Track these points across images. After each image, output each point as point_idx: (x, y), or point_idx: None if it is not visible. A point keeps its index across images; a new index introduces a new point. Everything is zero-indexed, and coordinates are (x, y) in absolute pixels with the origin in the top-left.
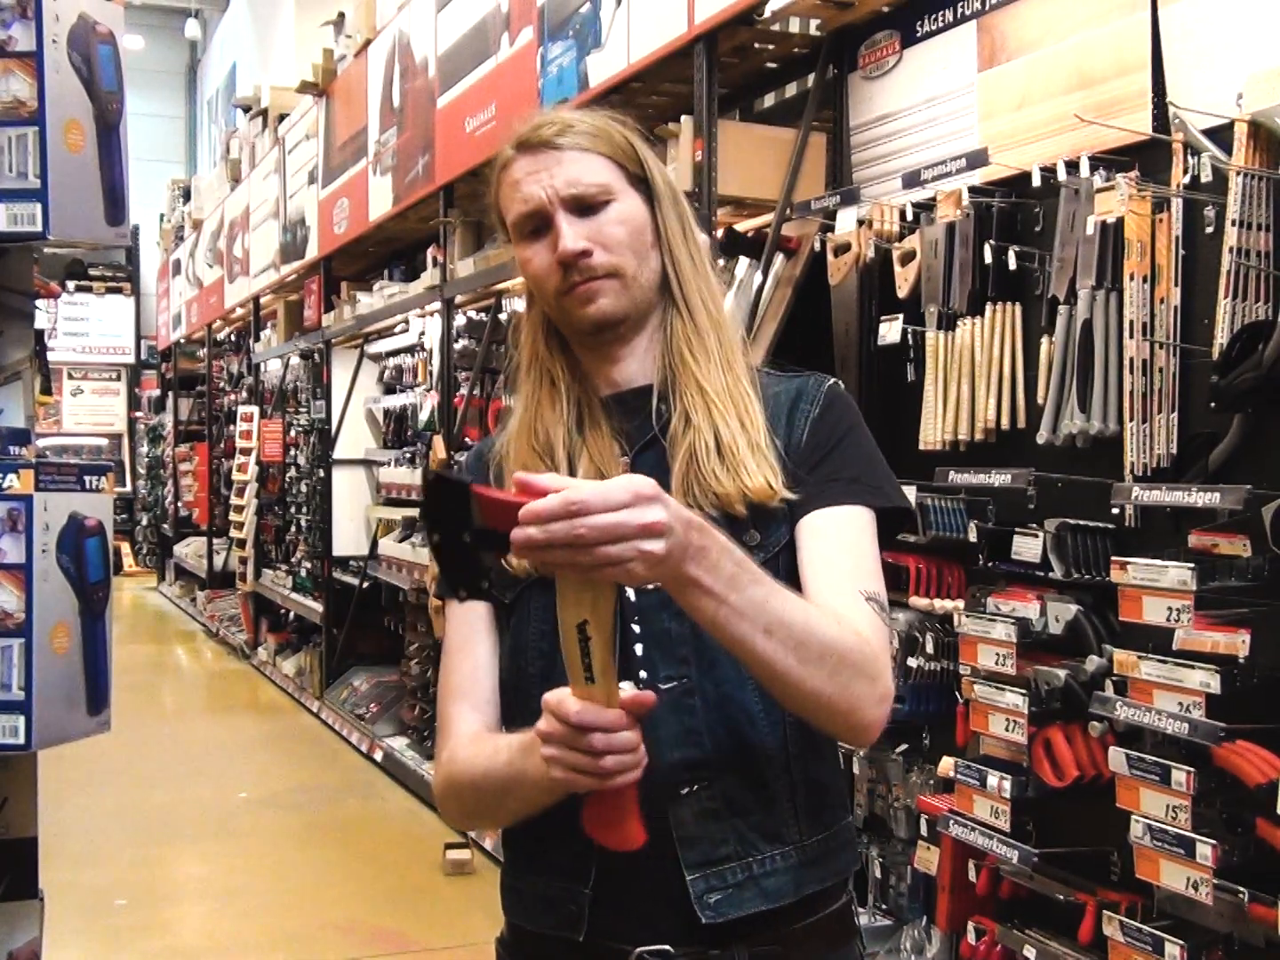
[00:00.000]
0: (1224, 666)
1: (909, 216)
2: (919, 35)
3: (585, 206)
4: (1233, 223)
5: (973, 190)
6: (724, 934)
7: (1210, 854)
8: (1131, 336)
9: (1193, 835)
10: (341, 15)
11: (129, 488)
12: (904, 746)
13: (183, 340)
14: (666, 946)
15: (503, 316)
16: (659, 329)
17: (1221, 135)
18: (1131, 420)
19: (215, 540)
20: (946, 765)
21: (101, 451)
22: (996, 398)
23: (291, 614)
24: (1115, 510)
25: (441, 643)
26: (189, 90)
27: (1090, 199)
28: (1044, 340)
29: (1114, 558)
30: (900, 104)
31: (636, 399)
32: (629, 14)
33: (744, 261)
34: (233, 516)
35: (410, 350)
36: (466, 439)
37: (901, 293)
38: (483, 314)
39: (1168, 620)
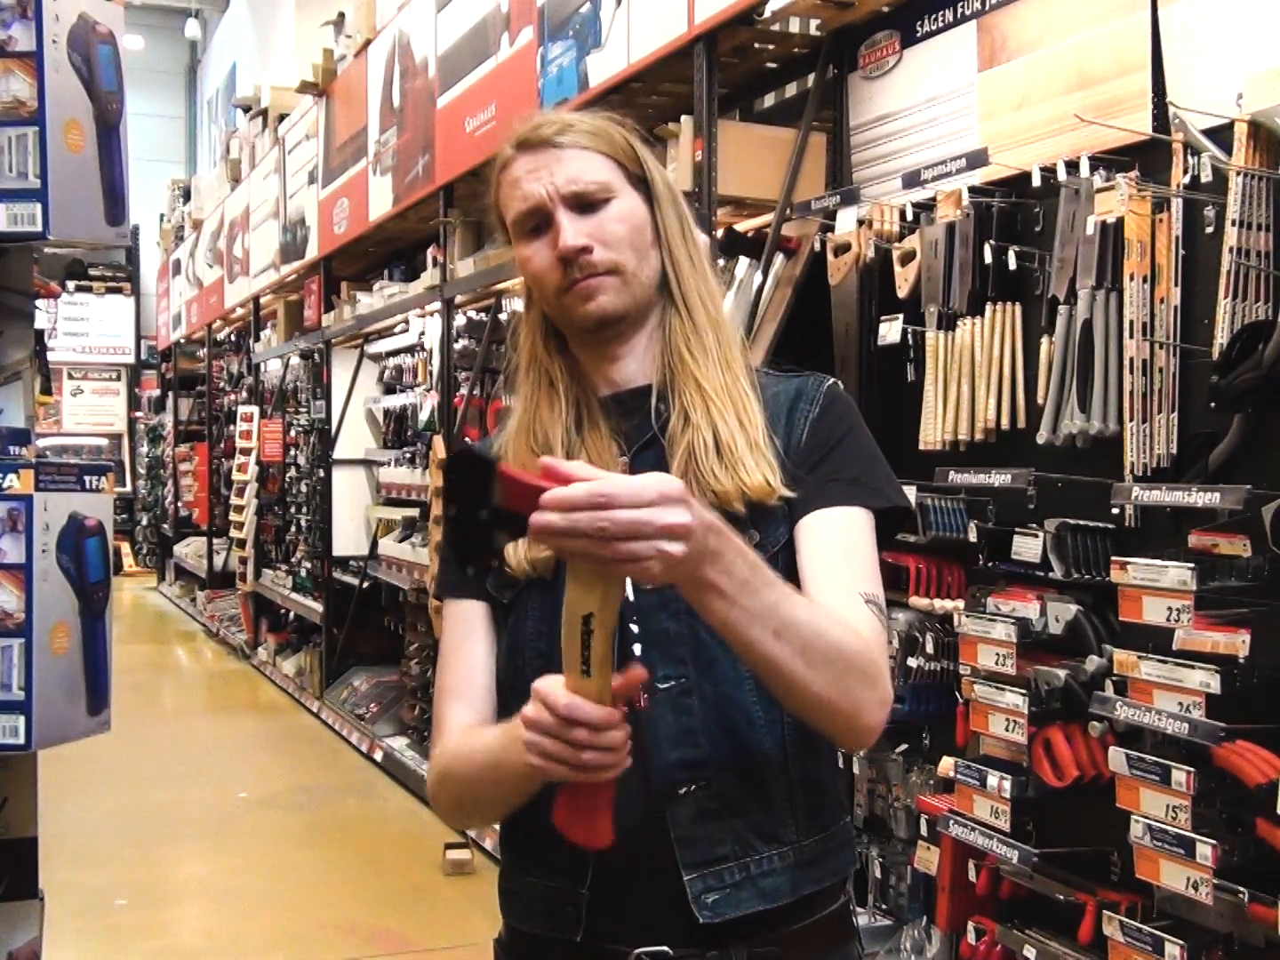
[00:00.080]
0: (1224, 666)
1: (909, 216)
2: (919, 35)
3: (586, 204)
4: (1233, 223)
5: (973, 190)
6: (722, 934)
7: (1210, 854)
8: (1131, 336)
9: (1193, 835)
10: (341, 15)
11: (129, 488)
12: (904, 746)
13: (183, 340)
14: (664, 948)
15: (503, 316)
16: (658, 328)
17: (1221, 135)
18: (1131, 420)
19: (215, 540)
20: (946, 765)
21: (101, 451)
22: (996, 398)
23: (291, 614)
24: (1115, 510)
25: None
26: (189, 90)
27: (1090, 199)
28: (1044, 340)
29: (1114, 558)
30: (900, 104)
31: (635, 399)
32: (629, 14)
33: (744, 261)
34: (233, 516)
35: (410, 350)
36: (466, 439)
37: (901, 293)
38: (483, 314)
39: (1168, 620)
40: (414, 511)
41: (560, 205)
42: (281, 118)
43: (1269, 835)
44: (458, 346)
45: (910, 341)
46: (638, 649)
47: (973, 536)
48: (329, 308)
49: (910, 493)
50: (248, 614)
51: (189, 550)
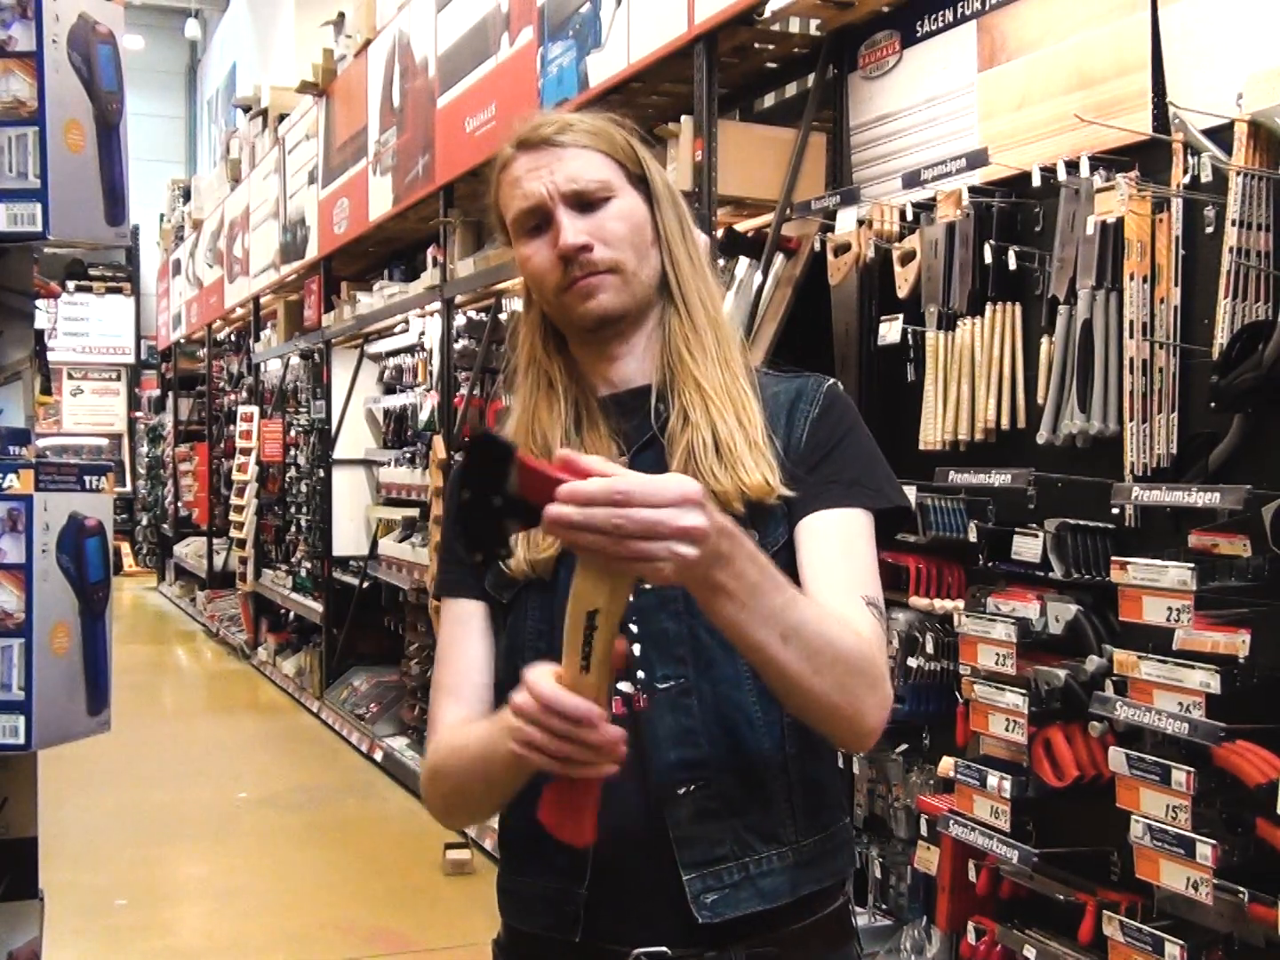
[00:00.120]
0: (1224, 666)
1: (909, 216)
2: (919, 35)
3: (586, 202)
4: (1233, 223)
5: (973, 190)
6: (721, 935)
7: (1210, 854)
8: (1131, 336)
9: (1193, 835)
10: (341, 15)
11: (129, 488)
12: (904, 746)
13: (183, 340)
14: (663, 948)
15: (503, 316)
16: (657, 327)
17: (1221, 135)
18: (1131, 420)
19: (215, 540)
20: (946, 765)
21: (101, 451)
22: (996, 398)
23: (291, 614)
24: (1115, 510)
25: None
26: (189, 90)
27: (1090, 199)
28: (1044, 340)
29: (1114, 558)
30: (900, 104)
31: (634, 399)
32: (629, 14)
33: (744, 261)
34: (233, 516)
35: (410, 350)
36: (466, 439)
37: (901, 293)
38: (483, 314)
39: (1168, 620)
40: (414, 511)
41: (560, 204)
42: (281, 118)
43: (1269, 835)
44: (458, 346)
45: (910, 341)
46: (637, 649)
47: (973, 536)
48: (329, 308)
49: (910, 493)
50: (248, 614)
51: (189, 550)
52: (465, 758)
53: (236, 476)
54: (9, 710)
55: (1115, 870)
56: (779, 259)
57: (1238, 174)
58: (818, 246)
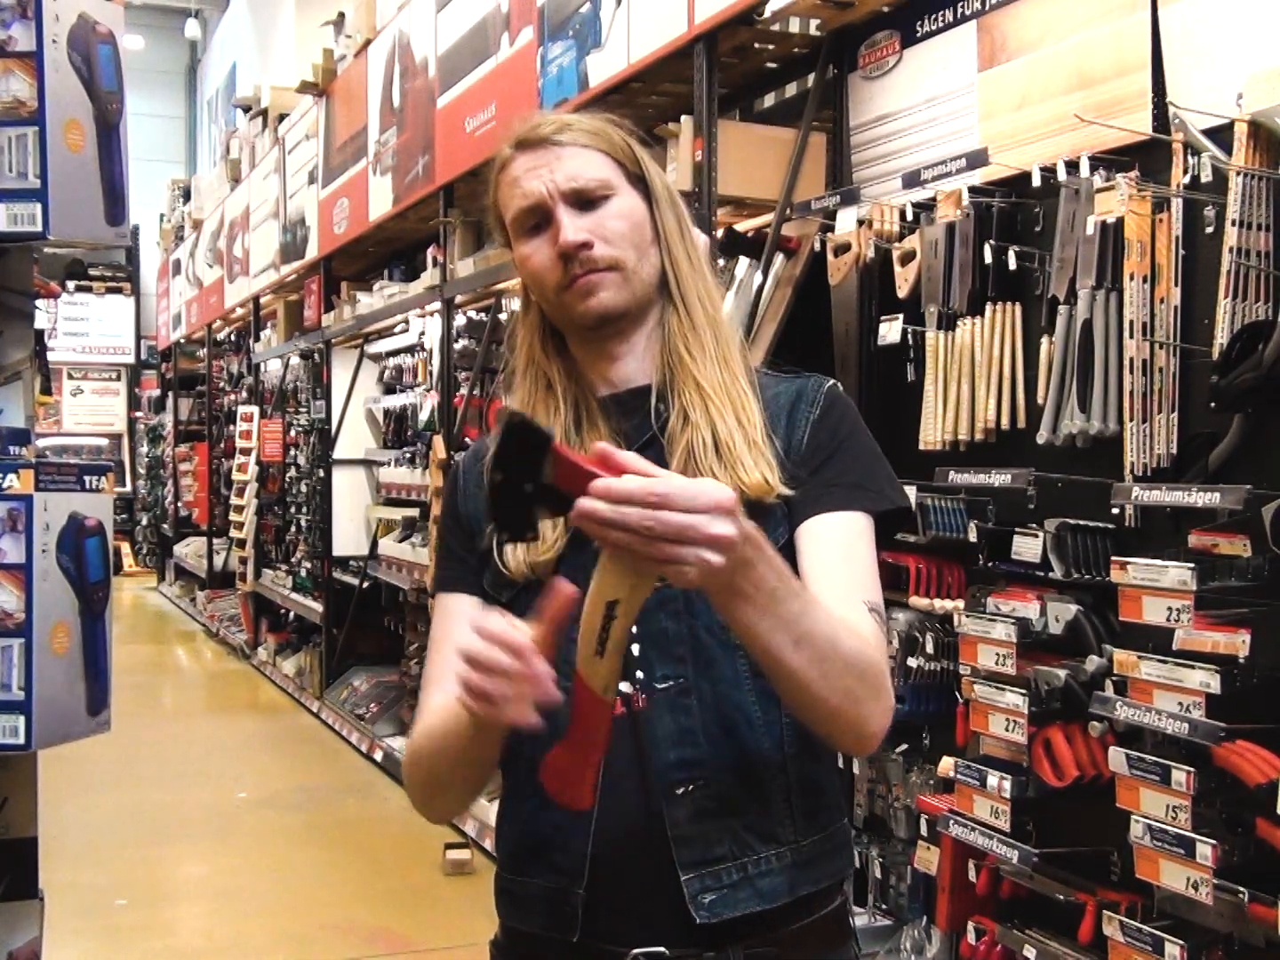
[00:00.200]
0: (1224, 666)
1: (909, 216)
2: (919, 35)
3: (585, 201)
4: (1233, 223)
5: (973, 190)
6: (719, 935)
7: (1210, 854)
8: (1131, 336)
9: (1193, 835)
10: (341, 15)
11: (129, 488)
12: (904, 746)
13: (183, 340)
14: (661, 949)
15: (503, 316)
16: (657, 326)
17: (1221, 135)
18: (1131, 420)
19: (215, 540)
20: (946, 765)
21: (101, 451)
22: (996, 398)
23: (291, 614)
24: (1115, 510)
25: None
26: (189, 90)
27: (1090, 199)
28: (1044, 340)
29: (1114, 558)
30: (900, 104)
31: (634, 398)
32: (629, 14)
33: (744, 261)
34: (233, 516)
35: (410, 350)
36: (466, 439)
37: (901, 293)
38: (483, 314)
39: (1168, 620)
40: (414, 511)
41: (560, 202)
42: (281, 118)
43: (1269, 835)
44: (458, 346)
45: (910, 341)
46: (636, 649)
47: (973, 536)
48: (329, 308)
49: (910, 493)
50: (248, 614)
51: (189, 550)
52: (435, 737)
53: (236, 476)
54: (9, 710)
55: (1115, 870)
56: (779, 259)
57: (1238, 174)
58: (818, 246)
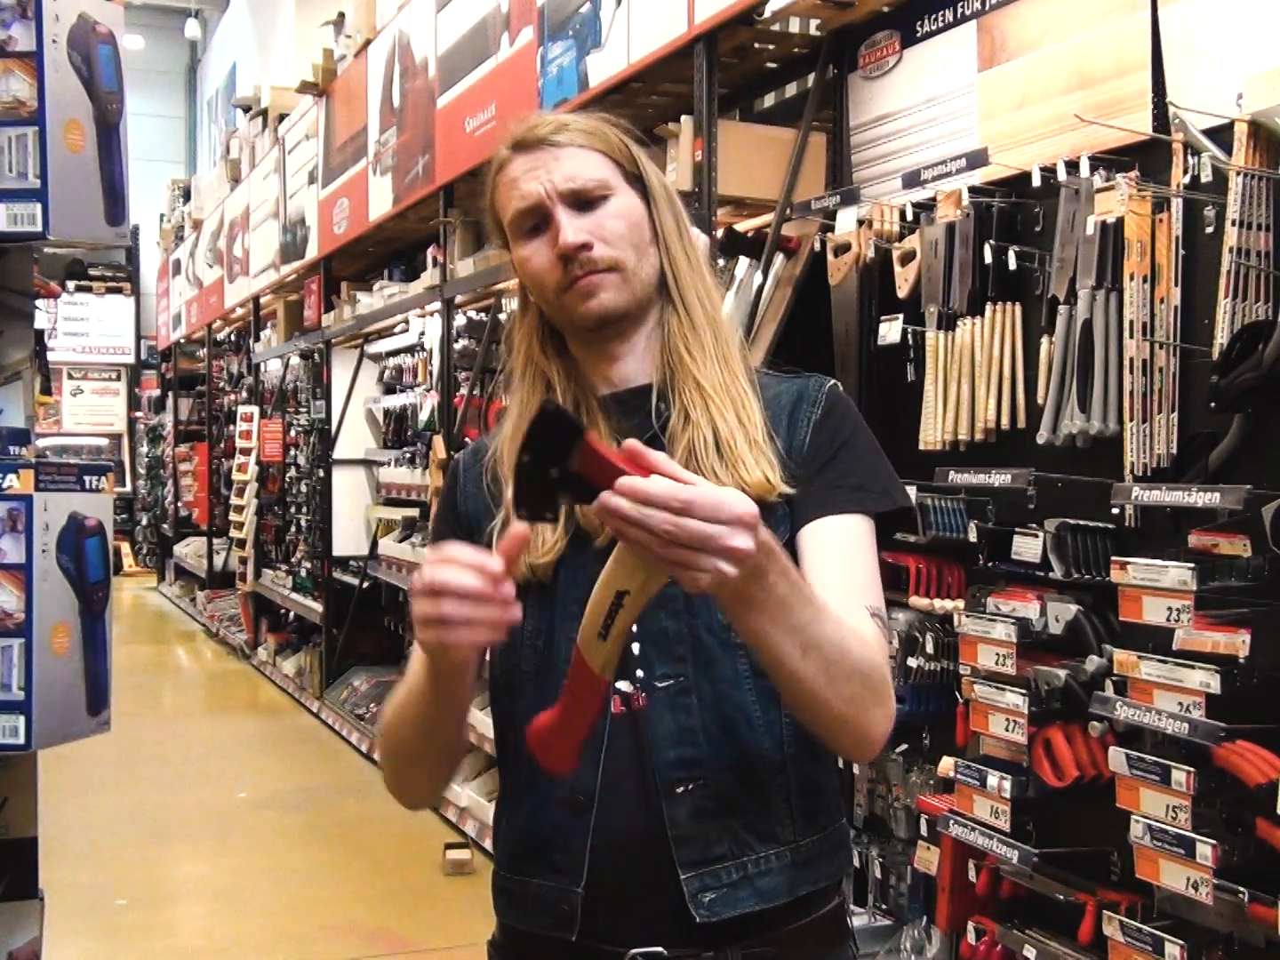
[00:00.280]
0: (1224, 666)
1: (909, 216)
2: (919, 35)
3: (584, 201)
4: (1233, 223)
5: (973, 190)
6: (718, 934)
7: (1210, 854)
8: (1131, 336)
9: (1193, 835)
10: (341, 15)
11: (129, 488)
12: (904, 746)
13: (183, 340)
14: (660, 949)
15: (502, 316)
16: (657, 326)
17: (1221, 135)
18: (1131, 420)
19: (215, 540)
20: (946, 765)
21: (101, 451)
22: (996, 398)
23: (291, 614)
24: (1115, 510)
25: None
26: (189, 90)
27: (1090, 199)
28: (1044, 340)
29: (1114, 558)
30: (900, 104)
31: (635, 398)
32: (629, 14)
33: (744, 261)
34: (233, 516)
35: (410, 350)
36: (466, 439)
37: (901, 293)
38: (483, 314)
39: (1168, 620)
40: (414, 511)
41: (559, 203)
42: (281, 118)
43: (1269, 835)
44: (458, 346)
45: (910, 341)
46: (636, 648)
47: (973, 536)
48: (329, 308)
49: (910, 493)
50: (248, 614)
51: (189, 550)
52: (399, 706)
53: (236, 476)
54: (9, 710)
55: (1115, 870)
56: (779, 259)
57: (1238, 174)
58: (818, 246)
